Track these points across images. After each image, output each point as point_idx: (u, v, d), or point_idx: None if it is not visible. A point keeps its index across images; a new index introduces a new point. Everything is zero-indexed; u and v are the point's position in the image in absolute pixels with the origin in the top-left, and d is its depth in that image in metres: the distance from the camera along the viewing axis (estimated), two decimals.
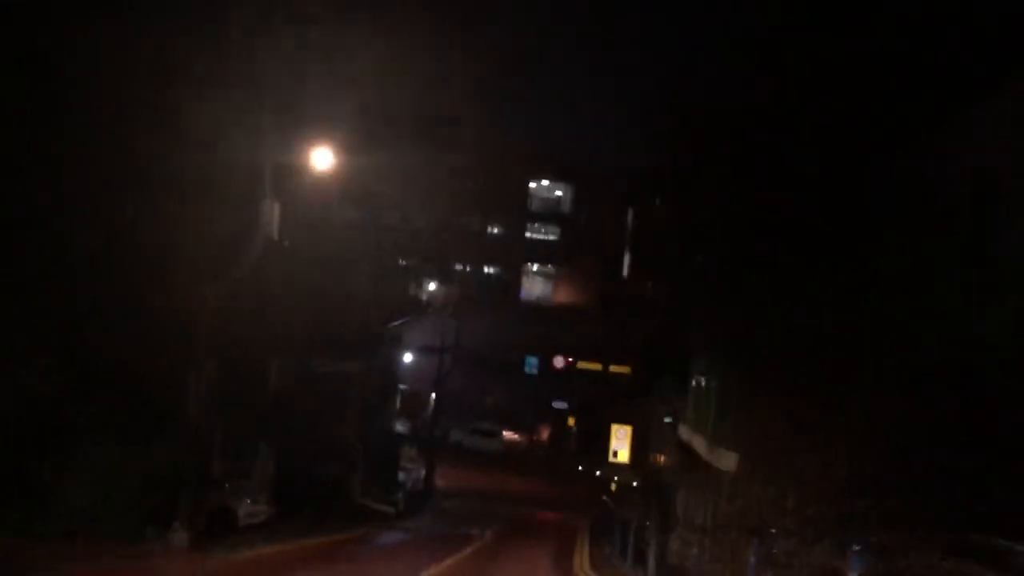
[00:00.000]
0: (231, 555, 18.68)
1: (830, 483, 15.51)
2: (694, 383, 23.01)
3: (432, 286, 72.91)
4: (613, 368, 63.68)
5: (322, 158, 18.78)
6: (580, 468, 61.65)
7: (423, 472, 46.48)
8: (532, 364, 65.55)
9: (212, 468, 25.72)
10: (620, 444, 42.99)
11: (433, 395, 49.54)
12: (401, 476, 45.89)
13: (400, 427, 52.66)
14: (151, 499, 17.50)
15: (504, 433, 62.51)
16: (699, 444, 21.28)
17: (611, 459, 43.18)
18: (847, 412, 15.29)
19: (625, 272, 78.62)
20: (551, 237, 76.51)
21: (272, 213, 18.72)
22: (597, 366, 63.68)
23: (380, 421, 42.65)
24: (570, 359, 64.55)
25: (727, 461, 19.05)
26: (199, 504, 21.76)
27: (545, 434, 66.34)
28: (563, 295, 74.90)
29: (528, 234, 75.87)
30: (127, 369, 16.93)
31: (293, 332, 30.86)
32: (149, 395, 17.40)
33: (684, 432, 23.40)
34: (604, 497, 44.23)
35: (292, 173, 20.51)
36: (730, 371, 19.54)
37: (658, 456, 40.19)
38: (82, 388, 16.25)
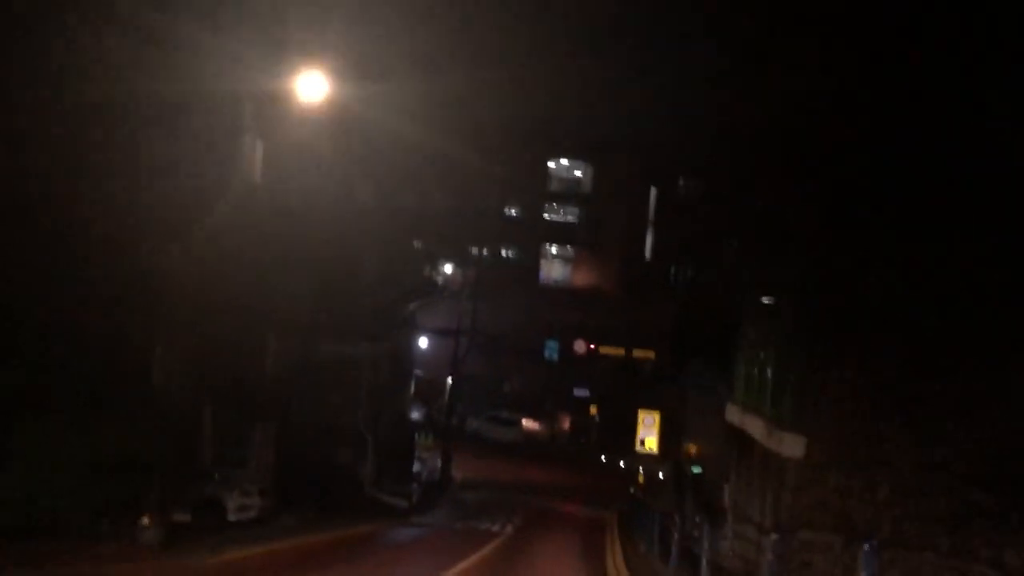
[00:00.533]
0: (210, 557, 15.73)
1: (937, 471, 12.43)
2: (744, 357, 19.98)
3: (448, 268, 70.04)
4: (637, 353, 60.59)
5: (313, 89, 15.69)
6: (603, 458, 58.57)
7: (439, 462, 43.56)
8: (552, 349, 62.49)
9: (202, 455, 22.89)
10: (648, 432, 39.93)
11: (449, 380, 46.52)
12: (416, 466, 42.99)
13: (415, 415, 49.76)
14: (107, 489, 14.54)
15: (523, 421, 59.49)
16: (754, 427, 18.26)
17: (638, 448, 40.13)
18: (960, 383, 12.20)
19: (648, 253, 75.50)
20: (570, 218, 73.34)
21: (254, 152, 15.74)
22: (620, 351, 60.60)
23: (393, 408, 39.71)
24: (592, 344, 61.44)
25: (792, 446, 15.97)
26: (177, 495, 18.91)
27: (566, 423, 63.24)
28: (583, 278, 71.73)
29: (547, 215, 72.73)
30: (78, 337, 13.99)
31: (294, 307, 27.96)
32: (104, 368, 14.45)
33: (733, 414, 20.37)
34: (631, 489, 41.17)
35: (280, 122, 17.59)
36: (794, 340, 16.47)
37: (690, 445, 37.13)
38: (20, 359, 13.32)
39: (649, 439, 39.98)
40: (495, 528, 28.16)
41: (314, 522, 24.16)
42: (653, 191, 72.60)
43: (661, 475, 40.08)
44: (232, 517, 21.09)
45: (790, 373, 16.73)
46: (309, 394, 29.30)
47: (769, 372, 17.45)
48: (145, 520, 15.44)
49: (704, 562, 15.26)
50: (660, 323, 65.39)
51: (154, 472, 16.01)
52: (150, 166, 14.55)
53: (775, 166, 18.52)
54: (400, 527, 27.92)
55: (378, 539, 24.06)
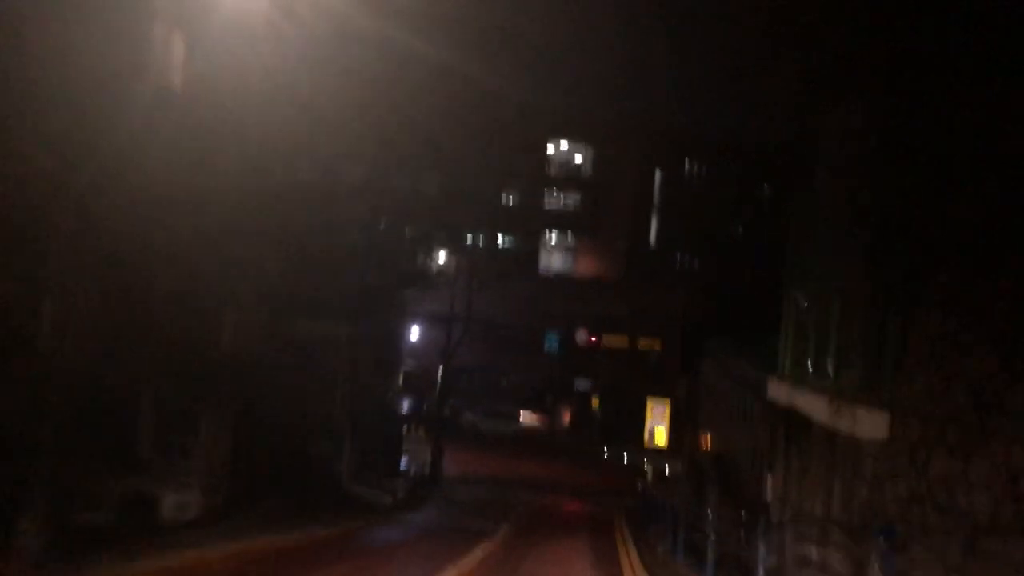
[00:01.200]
0: (108, 570, 11.91)
1: None
2: (793, 320, 16.18)
3: (442, 256, 66.17)
4: (642, 343, 56.83)
5: None
6: (606, 453, 54.84)
7: (431, 457, 39.80)
8: (552, 340, 58.71)
9: (138, 442, 19.02)
10: (657, 422, 36.18)
11: (441, 368, 42.74)
12: (405, 461, 39.23)
13: (406, 407, 45.98)
14: None
15: (522, 415, 55.72)
16: (811, 404, 14.47)
17: (646, 440, 36.39)
18: None
19: (652, 240, 71.71)
20: (571, 204, 69.51)
21: (169, 49, 11.92)
22: (624, 341, 56.84)
23: (379, 397, 35.84)
24: (593, 335, 57.64)
25: (869, 425, 12.18)
26: (94, 491, 15.11)
27: (566, 416, 59.48)
28: (585, 266, 67.89)
29: (546, 201, 68.87)
30: None
31: (260, 275, 24.11)
32: None
33: (778, 391, 16.56)
34: (639, 485, 37.41)
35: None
36: (872, 284, 12.67)
37: (706, 434, 33.40)
38: None
39: (659, 429, 36.20)
40: (488, 527, 24.37)
41: (276, 522, 20.29)
42: (658, 175, 68.81)
43: (675, 468, 36.36)
44: (169, 518, 17.26)
45: (867, 328, 12.92)
46: (280, 376, 25.44)
47: (833, 333, 13.66)
48: (24, 525, 11.61)
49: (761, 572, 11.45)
50: (667, 311, 61.66)
51: (41, 460, 12.18)
52: (24, 52, 10.72)
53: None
54: (380, 527, 24.08)
55: (350, 542, 20.21)
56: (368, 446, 31.37)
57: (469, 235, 64.47)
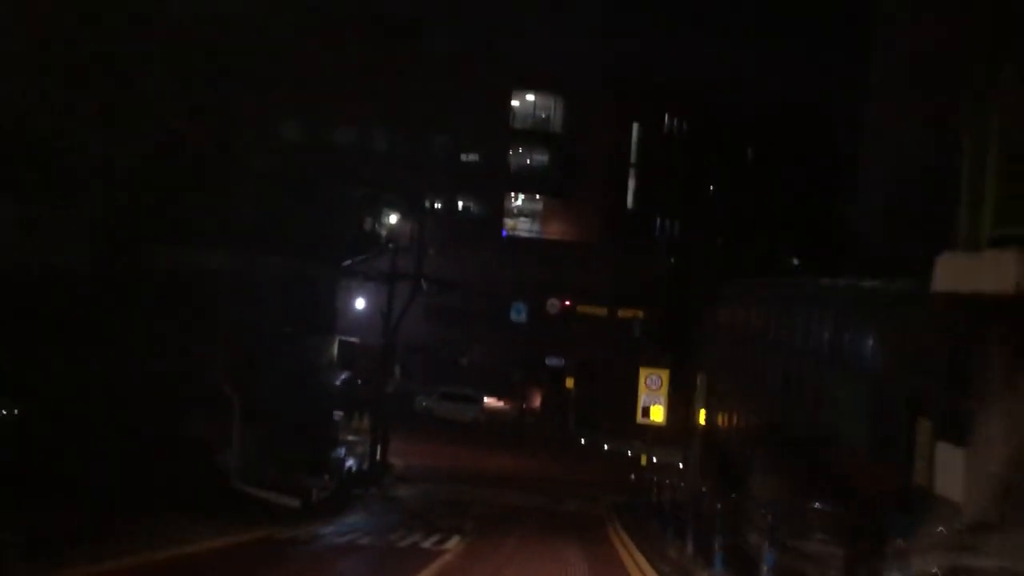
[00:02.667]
0: None
1: None
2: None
3: (393, 219, 57.69)
4: (622, 313, 48.86)
5: None
6: (583, 440, 46.92)
7: (370, 448, 31.67)
8: (519, 310, 50.56)
9: None
10: (653, 398, 28.21)
11: (387, 331, 34.44)
12: (340, 452, 30.96)
13: (347, 388, 37.67)
14: None
15: (485, 399, 47.58)
16: None
17: (640, 420, 28.41)
18: None
19: (630, 201, 63.85)
20: (539, 163, 61.40)
21: None
22: (601, 311, 48.83)
23: (297, 369, 27.55)
24: (567, 303, 49.59)
25: None
26: None
27: (537, 399, 51.45)
28: (555, 231, 59.82)
29: (511, 160, 60.68)
30: None
31: (92, 172, 15.93)
32: None
33: (982, 269, 8.95)
34: (633, 476, 29.47)
35: None
36: None
37: (725, 412, 25.56)
38: None
39: (655, 408, 28.26)
40: (431, 543, 16.38)
41: (71, 541, 12.13)
42: (635, 129, 60.88)
43: (685, 454, 28.45)
44: None
45: None
46: (116, 328, 17.19)
47: None
48: None
49: None
50: (649, 277, 53.79)
51: None
52: None
53: None
54: (271, 545, 15.88)
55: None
56: (276, 431, 23.09)
57: (425, 198, 56.42)
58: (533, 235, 59.66)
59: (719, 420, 24.73)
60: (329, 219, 39.38)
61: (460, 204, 60.11)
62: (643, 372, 28.97)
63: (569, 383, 48.73)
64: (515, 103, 60.50)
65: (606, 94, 57.99)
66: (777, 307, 18.77)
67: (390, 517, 21.01)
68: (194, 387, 19.22)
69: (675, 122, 62.51)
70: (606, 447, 45.31)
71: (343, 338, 43.25)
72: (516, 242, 57.80)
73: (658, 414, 28.40)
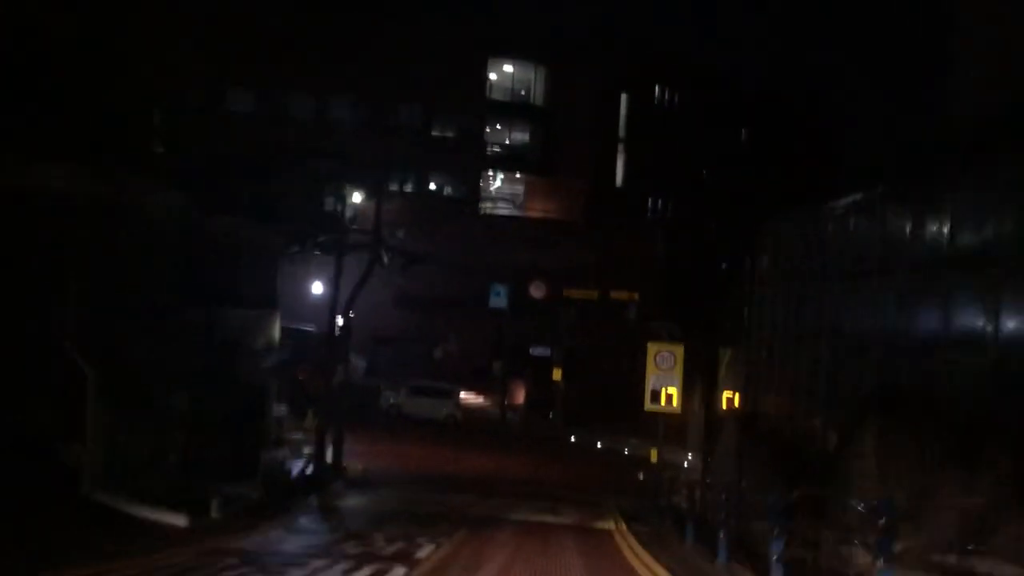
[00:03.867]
0: None
1: None
2: None
3: (357, 198, 51.57)
4: (615, 295, 43.00)
5: None
6: (573, 438, 40.97)
7: (324, 448, 25.64)
8: (500, 295, 44.64)
9: None
10: (665, 379, 22.33)
11: (340, 312, 28.42)
12: (279, 454, 24.94)
13: (289, 377, 31.51)
14: None
15: (461, 393, 41.61)
16: None
17: (649, 406, 22.44)
18: None
19: (619, 179, 58.02)
20: (519, 138, 55.53)
21: None
22: (591, 294, 43.00)
23: (216, 350, 21.47)
24: (552, 287, 43.71)
25: None
26: None
27: (521, 393, 45.53)
28: (538, 211, 53.93)
29: (489, 135, 54.74)
30: None
31: None
32: None
33: None
34: (642, 475, 23.59)
35: None
36: None
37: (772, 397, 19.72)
38: None
39: (669, 390, 22.36)
40: None
41: None
42: (624, 100, 55.11)
43: (716, 447, 22.54)
44: None
45: None
46: None
47: None
48: None
49: None
50: (644, 257, 47.98)
51: None
52: None
53: None
54: None
55: None
56: (172, 423, 17.01)
57: (391, 166, 50.47)
58: (514, 215, 53.75)
59: (767, 400, 18.88)
60: (281, 196, 33.56)
61: (433, 185, 54.18)
62: (652, 349, 23.04)
63: (556, 375, 42.83)
64: (492, 76, 54.65)
65: (592, 63, 52.30)
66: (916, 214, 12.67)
67: (316, 538, 14.97)
68: (28, 354, 13.18)
69: (666, 93, 56.82)
70: (599, 445, 39.45)
71: (300, 326, 37.11)
72: (496, 221, 51.87)
73: (671, 398, 22.48)
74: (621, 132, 54.84)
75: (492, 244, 46.36)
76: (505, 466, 31.79)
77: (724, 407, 22.86)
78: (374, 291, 47.35)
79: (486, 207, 53.14)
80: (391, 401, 39.92)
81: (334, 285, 26.91)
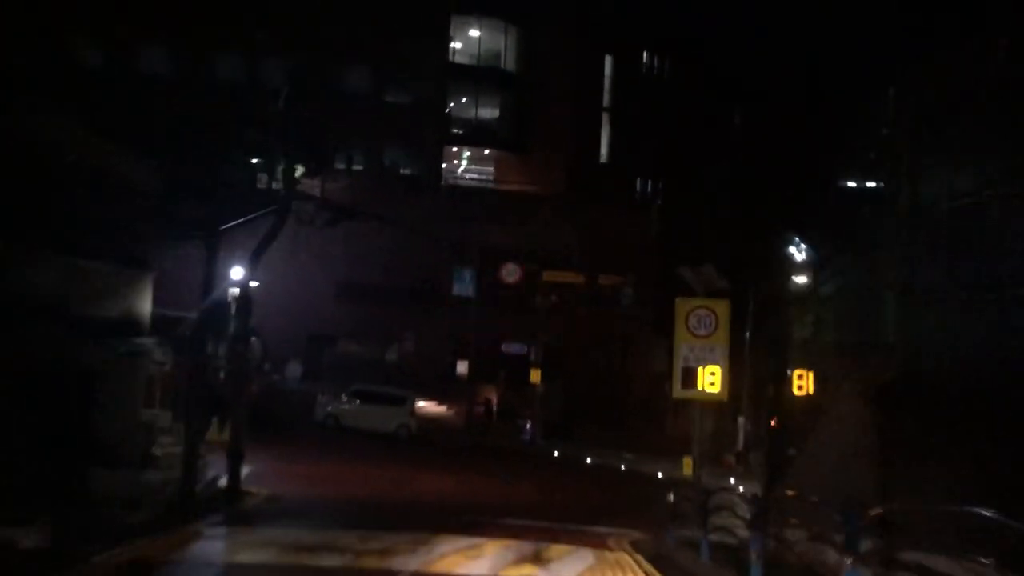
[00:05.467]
0: None
1: None
2: None
3: (297, 173, 43.25)
4: (604, 280, 35.28)
5: None
6: (556, 452, 33.00)
7: (192, 467, 17.71)
8: (465, 280, 36.75)
9: None
10: (703, 353, 14.63)
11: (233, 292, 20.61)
12: (145, 477, 17.04)
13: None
14: None
15: (417, 401, 33.65)
16: None
17: (679, 391, 14.76)
18: None
19: (604, 153, 50.43)
20: (489, 108, 47.93)
21: None
22: (576, 277, 35.28)
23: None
24: (529, 270, 35.88)
25: None
26: None
27: (491, 399, 37.59)
28: (512, 182, 46.26)
29: (453, 105, 47.08)
30: None
31: None
32: None
33: None
34: (672, 496, 15.63)
35: None
36: None
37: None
38: None
39: (707, 370, 14.70)
40: None
41: None
42: (608, 63, 47.71)
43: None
44: None
45: None
46: None
47: None
48: None
49: None
50: (632, 240, 40.42)
51: None
52: None
53: None
54: None
55: None
56: None
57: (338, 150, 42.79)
58: (484, 184, 46.09)
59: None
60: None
61: (387, 162, 46.37)
62: (682, 307, 15.28)
63: (535, 377, 34.93)
64: (457, 44, 47.13)
65: (572, 25, 44.99)
66: None
67: None
68: None
69: (655, 60, 49.54)
70: (589, 460, 31.59)
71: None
72: (460, 193, 44.09)
73: (713, 379, 14.77)
74: (606, 101, 47.42)
75: (456, 221, 38.55)
76: (470, 489, 23.80)
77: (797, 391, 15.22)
78: (311, 280, 39.51)
79: (449, 181, 45.43)
80: (328, 410, 31.84)
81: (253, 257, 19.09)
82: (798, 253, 31.81)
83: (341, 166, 43.71)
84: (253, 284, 31.01)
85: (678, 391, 15.11)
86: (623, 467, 30.27)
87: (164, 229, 21.12)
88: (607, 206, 41.04)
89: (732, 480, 22.79)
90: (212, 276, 18.78)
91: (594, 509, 21.14)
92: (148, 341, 18.97)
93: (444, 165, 47.01)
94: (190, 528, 14.41)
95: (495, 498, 22.01)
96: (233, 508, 17.85)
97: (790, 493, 11.12)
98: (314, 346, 39.15)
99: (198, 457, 17.00)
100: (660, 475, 29.01)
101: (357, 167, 44.40)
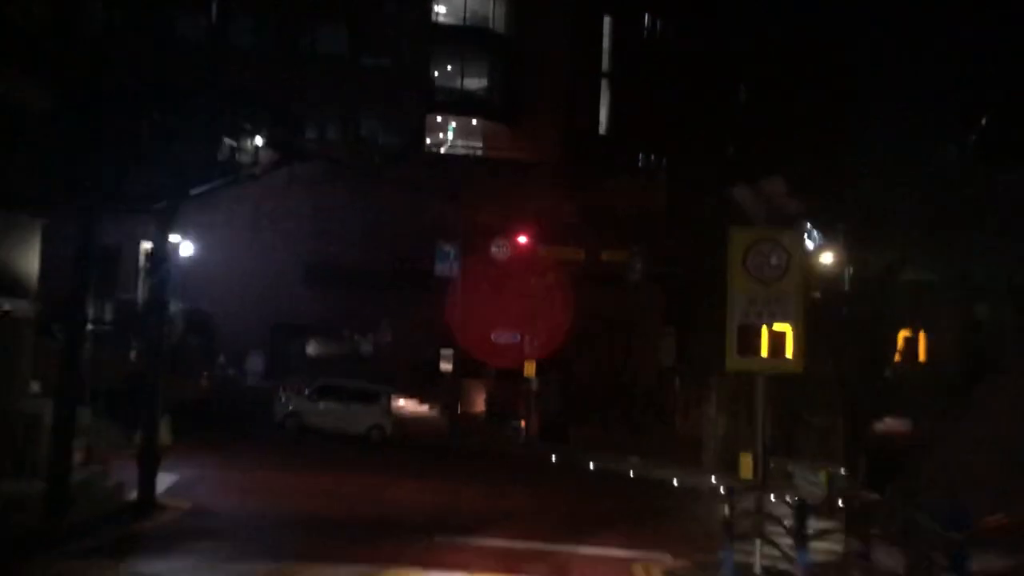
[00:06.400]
0: None
1: None
2: None
3: (259, 142, 38.86)
4: (608, 256, 30.93)
5: None
6: (554, 456, 28.57)
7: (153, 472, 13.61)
8: (447, 258, 32.30)
9: None
10: (770, 303, 10.36)
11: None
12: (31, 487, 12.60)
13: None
14: None
15: (393, 398, 29.23)
16: None
17: (735, 359, 10.43)
18: None
19: (603, 123, 46.06)
20: (475, 75, 43.64)
21: None
22: (576, 253, 30.95)
23: None
24: (521, 242, 31.48)
25: None
26: None
27: (479, 397, 33.22)
28: (502, 149, 41.99)
29: (435, 67, 42.77)
30: None
31: None
32: None
33: None
34: (725, 516, 11.24)
35: None
36: None
37: None
38: None
39: (779, 324, 10.48)
40: None
41: None
42: (607, 24, 43.44)
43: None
44: None
45: None
46: None
47: None
48: None
49: None
50: (638, 213, 36.14)
51: None
52: None
53: None
54: None
55: None
56: None
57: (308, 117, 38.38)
58: (470, 152, 41.78)
59: None
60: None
61: (363, 132, 42.02)
62: (739, 240, 10.85)
63: (529, 369, 30.51)
64: (441, 8, 42.85)
65: None
66: None
67: None
68: None
69: (657, 22, 45.33)
70: (591, 465, 27.20)
71: None
72: (444, 161, 39.75)
73: (783, 342, 10.48)
74: (605, 65, 43.15)
75: (440, 192, 34.20)
76: (452, 501, 19.33)
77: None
78: (275, 261, 35.08)
79: (431, 149, 41.14)
80: (289, 408, 27.38)
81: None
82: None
83: (312, 136, 39.39)
84: (187, 248, 26.15)
85: (733, 360, 10.74)
86: (632, 473, 26.00)
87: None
88: (608, 180, 36.78)
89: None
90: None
91: (606, 523, 16.90)
92: (24, 304, 14.60)
93: (428, 140, 42.76)
94: (36, 560, 10.02)
95: (483, 512, 17.63)
96: (130, 527, 13.64)
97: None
98: (279, 337, 34.77)
99: (71, 459, 12.65)
100: (676, 482, 24.76)
101: (331, 137, 40.10)
